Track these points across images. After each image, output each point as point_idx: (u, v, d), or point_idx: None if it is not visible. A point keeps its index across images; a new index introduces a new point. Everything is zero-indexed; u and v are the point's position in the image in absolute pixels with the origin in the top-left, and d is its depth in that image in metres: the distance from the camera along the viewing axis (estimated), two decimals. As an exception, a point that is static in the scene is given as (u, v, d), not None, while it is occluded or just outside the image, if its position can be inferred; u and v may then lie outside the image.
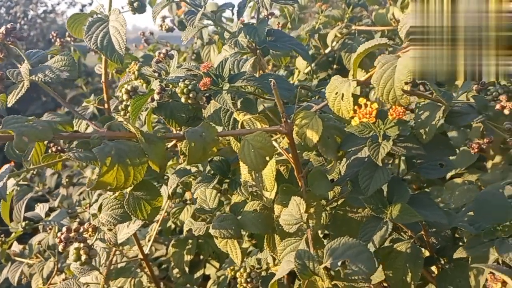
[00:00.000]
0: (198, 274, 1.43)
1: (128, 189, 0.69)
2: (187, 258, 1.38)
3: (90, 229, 0.73)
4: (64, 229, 0.70)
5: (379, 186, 0.71)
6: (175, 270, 1.46)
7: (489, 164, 1.29)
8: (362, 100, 0.65)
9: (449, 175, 1.37)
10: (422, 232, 0.91)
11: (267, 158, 0.70)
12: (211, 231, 0.78)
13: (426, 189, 1.51)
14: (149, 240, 1.40)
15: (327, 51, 1.63)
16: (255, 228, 0.79)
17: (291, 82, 1.73)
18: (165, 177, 1.20)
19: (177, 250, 1.40)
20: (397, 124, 0.67)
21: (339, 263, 0.60)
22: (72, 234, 0.70)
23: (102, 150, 0.59)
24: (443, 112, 0.68)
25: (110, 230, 0.78)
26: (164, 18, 1.72)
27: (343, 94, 0.68)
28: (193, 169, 1.17)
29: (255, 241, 1.34)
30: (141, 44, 2.09)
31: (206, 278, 1.56)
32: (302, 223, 0.69)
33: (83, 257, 0.70)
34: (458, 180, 1.34)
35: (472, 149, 0.68)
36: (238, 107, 0.79)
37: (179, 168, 1.11)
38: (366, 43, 0.66)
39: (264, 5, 0.81)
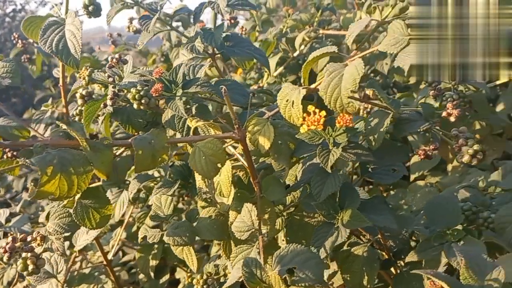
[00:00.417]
0: (164, 279, 1.42)
1: (76, 197, 0.67)
2: (153, 263, 1.37)
3: (38, 238, 0.72)
4: (9, 238, 0.68)
5: (331, 192, 0.71)
6: (141, 275, 1.44)
7: (449, 167, 1.32)
8: (311, 108, 0.66)
9: (412, 177, 1.40)
10: (379, 236, 0.92)
11: (219, 165, 0.69)
12: (165, 238, 0.77)
13: (392, 191, 1.55)
14: (113, 246, 1.38)
15: (295, 54, 1.64)
16: (210, 235, 0.79)
17: (261, 84, 1.74)
18: (127, 182, 1.19)
19: (142, 255, 1.38)
20: (346, 131, 0.67)
21: (287, 270, 0.61)
22: (18, 244, 0.68)
23: (43, 159, 0.57)
24: (391, 120, 0.69)
25: (58, 239, 0.76)
26: (131, 19, 1.70)
27: (293, 101, 0.68)
28: (156, 174, 1.16)
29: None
30: (111, 46, 2.06)
31: (176, 282, 1.55)
32: (253, 230, 0.69)
33: (30, 267, 0.69)
34: (420, 183, 1.37)
35: (419, 155, 0.69)
36: (193, 113, 0.79)
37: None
38: (315, 52, 0.67)
39: (220, 11, 0.81)
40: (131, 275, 1.68)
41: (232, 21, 1.20)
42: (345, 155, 0.70)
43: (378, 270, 0.92)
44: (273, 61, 1.60)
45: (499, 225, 0.84)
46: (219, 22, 1.94)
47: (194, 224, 0.82)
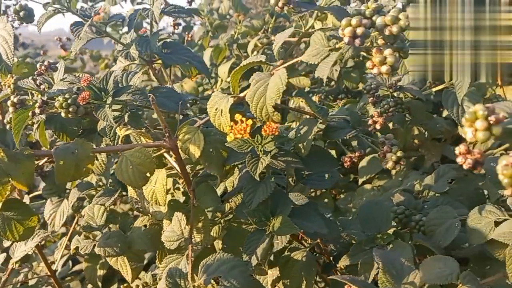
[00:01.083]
0: (112, 289, 1.38)
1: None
2: (100, 272, 1.33)
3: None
4: None
5: (262, 199, 0.72)
6: (89, 286, 1.40)
7: (393, 171, 1.36)
8: (238, 116, 0.66)
9: (360, 181, 1.43)
10: (319, 240, 0.94)
11: (148, 174, 0.68)
12: (96, 249, 0.75)
13: (342, 195, 1.58)
14: (61, 256, 1.33)
15: (275, 51, 1.65)
16: (144, 244, 0.78)
17: (215, 89, 1.74)
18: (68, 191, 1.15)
19: (90, 264, 1.34)
20: (274, 139, 0.68)
21: (212, 280, 0.60)
22: None
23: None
24: (319, 127, 0.70)
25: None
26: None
27: (222, 110, 0.68)
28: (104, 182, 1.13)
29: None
30: (68, 51, 2.00)
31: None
32: (183, 239, 0.68)
33: None
34: (367, 186, 1.40)
35: (345, 162, 0.71)
36: (126, 121, 0.78)
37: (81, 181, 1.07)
38: (244, 61, 0.67)
39: (154, 19, 0.80)
40: (84, 284, 1.63)
41: (176, 27, 1.20)
42: (275, 163, 0.71)
43: (318, 274, 0.93)
44: (225, 67, 1.60)
45: (429, 228, 0.87)
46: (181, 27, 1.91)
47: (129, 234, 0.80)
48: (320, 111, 0.71)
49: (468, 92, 1.05)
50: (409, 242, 0.87)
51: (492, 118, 0.44)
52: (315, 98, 1.37)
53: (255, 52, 1.64)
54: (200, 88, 1.82)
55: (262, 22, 1.64)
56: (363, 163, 1.37)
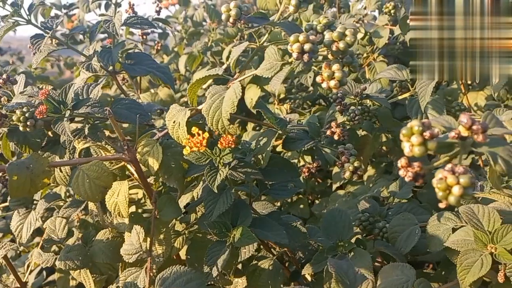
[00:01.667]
0: (85, 299, 1.37)
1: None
2: (73, 283, 1.32)
3: None
4: None
5: (222, 210, 0.72)
6: (63, 296, 1.39)
7: (365, 176, 1.38)
8: (194, 129, 0.67)
9: (334, 186, 1.45)
10: (286, 249, 0.95)
11: (105, 188, 0.68)
12: (57, 263, 0.75)
13: (318, 200, 1.59)
14: (30, 267, 1.31)
15: (223, 67, 1.66)
16: (106, 257, 0.77)
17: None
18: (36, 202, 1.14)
19: (62, 275, 1.33)
20: (232, 151, 0.69)
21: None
22: None
23: None
24: (277, 138, 0.71)
25: None
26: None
27: (179, 123, 0.69)
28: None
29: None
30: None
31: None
32: (141, 252, 0.69)
33: None
34: (340, 192, 1.42)
35: (304, 173, 0.72)
36: (86, 133, 0.77)
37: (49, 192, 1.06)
38: (200, 73, 0.67)
39: (115, 31, 0.80)
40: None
41: (144, 36, 1.20)
42: (235, 174, 0.72)
43: (284, 281, 0.94)
44: (200, 74, 1.60)
45: (391, 235, 0.88)
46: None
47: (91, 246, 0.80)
48: (279, 122, 0.72)
49: (432, 100, 1.07)
50: (373, 249, 0.89)
51: (426, 134, 0.46)
52: (286, 106, 1.38)
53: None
54: (178, 95, 1.82)
55: (236, 29, 1.65)
56: (336, 169, 1.39)
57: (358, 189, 1.32)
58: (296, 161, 1.31)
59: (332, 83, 0.58)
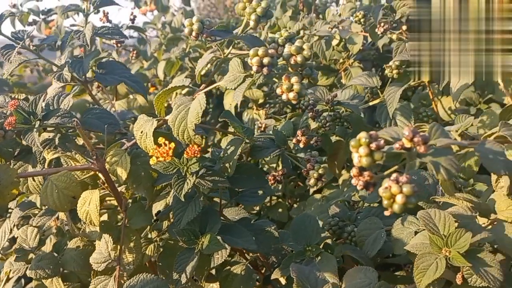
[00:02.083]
0: (64, 306, 1.37)
1: None
2: (51, 290, 1.32)
3: None
4: None
5: (191, 218, 0.74)
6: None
7: (340, 180, 1.41)
8: (161, 139, 0.68)
9: (311, 190, 1.47)
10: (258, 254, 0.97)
11: (74, 198, 0.70)
12: (28, 272, 0.75)
13: (296, 204, 1.62)
14: (6, 275, 1.31)
15: (202, 73, 1.67)
16: (77, 266, 0.78)
17: (170, 102, 1.75)
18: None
19: (39, 283, 1.33)
20: (199, 161, 0.71)
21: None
22: None
23: None
24: (243, 147, 0.73)
25: None
26: (32, 38, 1.64)
27: (146, 133, 0.70)
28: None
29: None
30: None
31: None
32: (110, 261, 0.70)
33: None
34: (317, 196, 1.44)
35: (270, 180, 0.74)
36: (56, 143, 0.78)
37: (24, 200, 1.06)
38: (178, 79, 0.69)
39: (85, 41, 0.82)
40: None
41: (119, 44, 1.21)
42: (202, 182, 0.74)
43: (259, 285, 0.96)
44: (179, 80, 1.62)
45: (359, 239, 0.91)
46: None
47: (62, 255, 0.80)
48: (246, 131, 0.74)
49: (400, 106, 1.11)
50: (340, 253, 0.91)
51: (373, 145, 0.48)
52: (262, 113, 1.40)
53: (209, 65, 1.67)
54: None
55: (215, 35, 1.66)
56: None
57: (332, 193, 1.35)
58: (275, 165, 1.34)
59: (291, 95, 0.60)
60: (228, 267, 0.97)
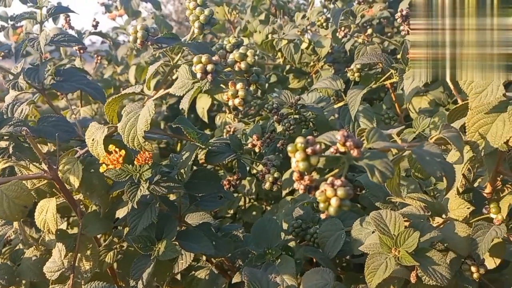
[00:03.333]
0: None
1: None
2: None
3: None
4: None
5: (146, 225, 0.74)
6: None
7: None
8: (112, 147, 0.68)
9: (284, 193, 1.48)
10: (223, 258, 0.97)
11: (26, 207, 0.69)
12: (-19, 283, 0.74)
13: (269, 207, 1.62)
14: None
15: (174, 77, 1.67)
16: (33, 275, 0.78)
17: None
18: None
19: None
20: (152, 167, 0.71)
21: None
22: None
23: None
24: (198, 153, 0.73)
25: None
26: (-3, 44, 1.62)
27: (97, 140, 0.70)
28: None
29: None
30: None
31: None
32: (64, 269, 0.69)
33: None
34: (288, 198, 1.45)
35: (225, 185, 0.74)
36: (10, 152, 0.78)
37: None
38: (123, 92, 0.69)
39: (39, 49, 0.81)
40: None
41: (81, 51, 1.20)
42: (157, 189, 0.74)
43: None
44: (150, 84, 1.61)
45: (321, 240, 0.92)
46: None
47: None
48: (201, 137, 0.75)
49: (363, 109, 1.12)
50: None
51: (309, 150, 0.49)
52: (230, 116, 1.40)
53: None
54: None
55: (186, 40, 1.66)
56: (286, 175, 1.42)
57: (300, 196, 1.36)
58: (248, 168, 1.35)
59: (237, 101, 0.61)
60: (193, 272, 0.97)
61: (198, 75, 0.59)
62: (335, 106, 1.21)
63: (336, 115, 1.31)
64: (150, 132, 0.90)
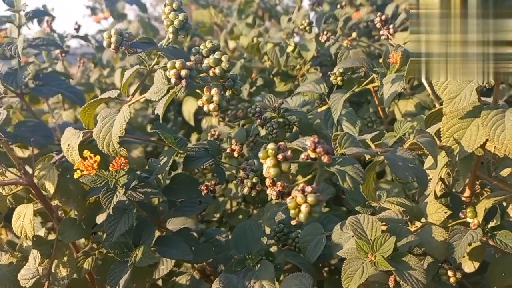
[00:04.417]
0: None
1: None
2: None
3: None
4: None
5: (123, 231, 0.73)
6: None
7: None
8: (86, 153, 0.68)
9: (270, 196, 1.47)
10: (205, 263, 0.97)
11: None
12: (-45, 291, 0.73)
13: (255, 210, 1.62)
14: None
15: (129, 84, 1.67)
16: (10, 282, 0.76)
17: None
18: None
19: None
20: (128, 173, 0.70)
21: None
22: None
23: None
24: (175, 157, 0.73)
25: None
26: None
27: (72, 146, 0.69)
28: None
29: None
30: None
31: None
32: (38, 276, 0.68)
33: None
34: (274, 202, 1.45)
35: (202, 191, 0.74)
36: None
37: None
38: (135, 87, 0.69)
39: (17, 53, 0.80)
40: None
41: (64, 55, 1.19)
42: (134, 195, 0.73)
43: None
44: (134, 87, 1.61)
45: (302, 244, 0.92)
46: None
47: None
48: (179, 142, 0.74)
49: (346, 112, 1.13)
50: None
51: (279, 156, 0.49)
52: (214, 120, 1.40)
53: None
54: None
55: (173, 42, 1.66)
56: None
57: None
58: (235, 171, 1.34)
59: (211, 106, 0.61)
60: (174, 278, 0.96)
61: (172, 81, 0.59)
62: (319, 110, 1.21)
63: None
64: (131, 137, 0.89)
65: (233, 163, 0.92)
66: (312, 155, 0.50)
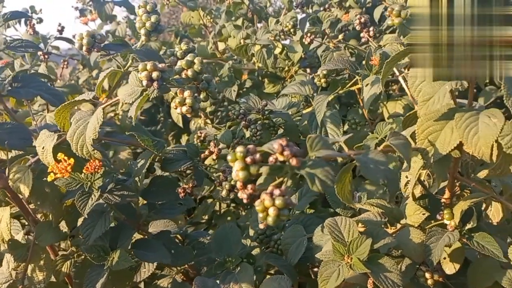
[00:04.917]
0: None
1: None
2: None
3: None
4: None
5: (99, 234, 0.72)
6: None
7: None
8: (60, 155, 0.67)
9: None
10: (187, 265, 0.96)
11: (-28, 217, 0.67)
12: None
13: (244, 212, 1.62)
14: None
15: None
16: (-16, 286, 0.75)
17: (118, 112, 1.72)
18: None
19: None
20: (103, 176, 0.69)
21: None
22: None
23: None
24: (152, 160, 0.72)
25: None
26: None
27: (47, 149, 0.69)
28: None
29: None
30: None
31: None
32: (12, 281, 0.68)
33: None
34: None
35: (180, 193, 0.74)
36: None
37: None
38: (123, 89, 0.68)
39: (-7, 54, 0.79)
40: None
41: (46, 56, 1.18)
42: (110, 197, 0.73)
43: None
44: (123, 90, 1.60)
45: (284, 247, 0.92)
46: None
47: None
48: (156, 144, 0.74)
49: (330, 114, 1.13)
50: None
51: (248, 159, 0.49)
52: (201, 121, 1.40)
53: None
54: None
55: (160, 44, 1.65)
56: (260, 180, 1.42)
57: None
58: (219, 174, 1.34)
59: (184, 108, 0.60)
60: (156, 281, 0.95)
61: (144, 83, 0.59)
62: (304, 112, 1.21)
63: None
64: (112, 139, 0.88)
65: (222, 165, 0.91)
66: (281, 158, 0.49)
